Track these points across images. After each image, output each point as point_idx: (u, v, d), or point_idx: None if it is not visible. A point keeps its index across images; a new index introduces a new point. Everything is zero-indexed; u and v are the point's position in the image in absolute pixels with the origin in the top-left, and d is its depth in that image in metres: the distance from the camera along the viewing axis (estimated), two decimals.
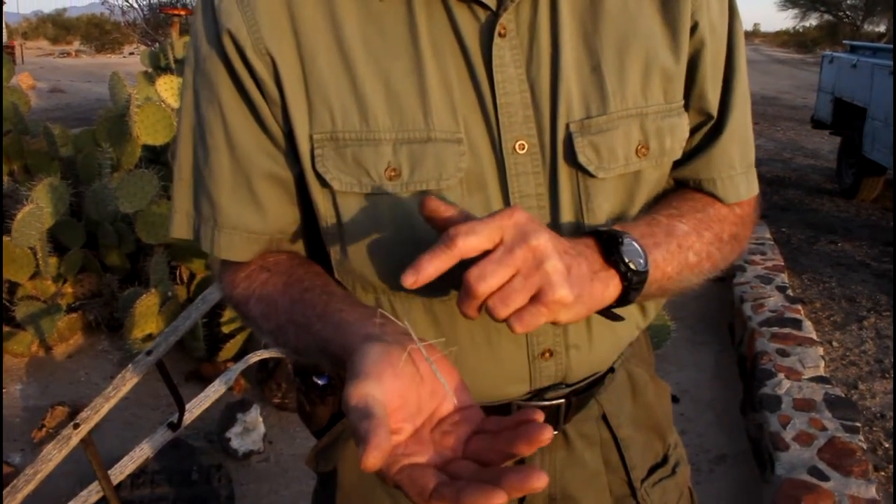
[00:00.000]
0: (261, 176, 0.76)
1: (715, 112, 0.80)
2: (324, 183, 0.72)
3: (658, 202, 0.80)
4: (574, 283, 0.62)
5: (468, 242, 0.59)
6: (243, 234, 0.78)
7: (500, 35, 0.71)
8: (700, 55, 0.77)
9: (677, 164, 0.81)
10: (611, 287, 0.68)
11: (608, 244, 0.68)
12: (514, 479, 0.51)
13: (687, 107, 0.78)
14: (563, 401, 0.82)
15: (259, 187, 0.76)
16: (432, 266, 0.58)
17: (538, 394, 0.82)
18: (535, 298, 0.60)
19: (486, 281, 0.59)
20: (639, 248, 0.69)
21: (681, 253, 0.75)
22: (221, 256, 0.79)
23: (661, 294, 0.78)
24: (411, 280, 0.58)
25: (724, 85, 0.80)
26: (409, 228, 0.71)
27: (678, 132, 0.77)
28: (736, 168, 0.82)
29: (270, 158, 0.75)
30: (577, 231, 0.75)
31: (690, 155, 0.81)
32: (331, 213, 0.74)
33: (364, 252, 0.74)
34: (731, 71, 0.80)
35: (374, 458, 0.51)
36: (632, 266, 0.67)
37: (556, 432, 0.83)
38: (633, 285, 0.68)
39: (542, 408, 0.82)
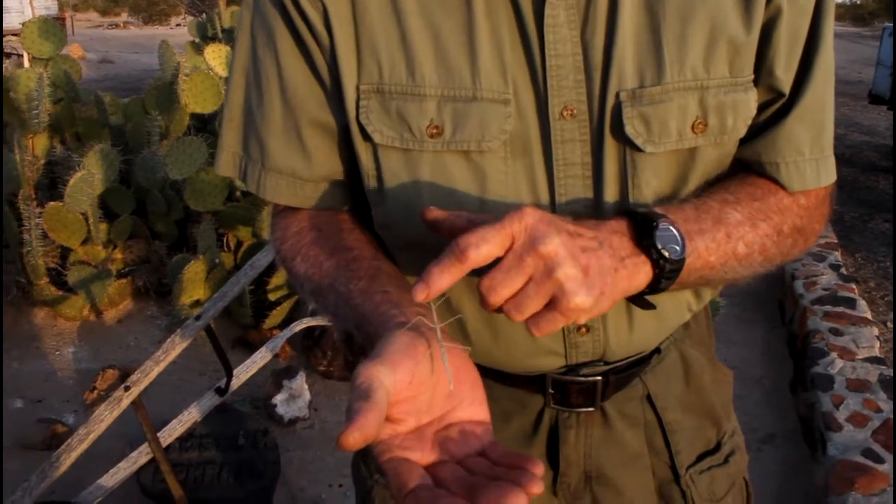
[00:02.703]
0: (309, 122, 0.76)
1: (787, 89, 0.73)
2: (366, 136, 0.72)
3: (715, 185, 0.75)
4: (593, 285, 0.59)
5: (480, 253, 0.57)
6: (289, 178, 0.78)
7: None
8: (774, 25, 0.71)
9: (740, 143, 0.75)
10: (640, 274, 0.64)
11: (642, 227, 0.64)
12: (493, 497, 0.50)
13: (757, 81, 0.72)
14: (599, 378, 0.80)
15: (306, 133, 0.76)
16: (443, 279, 0.57)
17: (574, 369, 0.79)
18: (551, 305, 0.59)
19: (496, 292, 0.58)
20: (676, 233, 0.64)
21: (729, 243, 0.70)
22: (267, 198, 0.80)
23: (704, 283, 0.74)
24: (422, 295, 0.57)
25: (802, 60, 0.73)
26: (448, 187, 0.70)
27: (742, 109, 0.72)
28: (804, 153, 0.75)
29: (320, 105, 0.75)
30: (622, 206, 0.71)
31: (754, 134, 0.75)
32: (372, 167, 0.74)
33: (402, 209, 0.73)
34: (812, 45, 0.73)
35: (352, 439, 0.49)
36: (665, 253, 0.63)
37: (592, 409, 0.82)
38: (665, 273, 0.64)
39: (577, 383, 0.80)
